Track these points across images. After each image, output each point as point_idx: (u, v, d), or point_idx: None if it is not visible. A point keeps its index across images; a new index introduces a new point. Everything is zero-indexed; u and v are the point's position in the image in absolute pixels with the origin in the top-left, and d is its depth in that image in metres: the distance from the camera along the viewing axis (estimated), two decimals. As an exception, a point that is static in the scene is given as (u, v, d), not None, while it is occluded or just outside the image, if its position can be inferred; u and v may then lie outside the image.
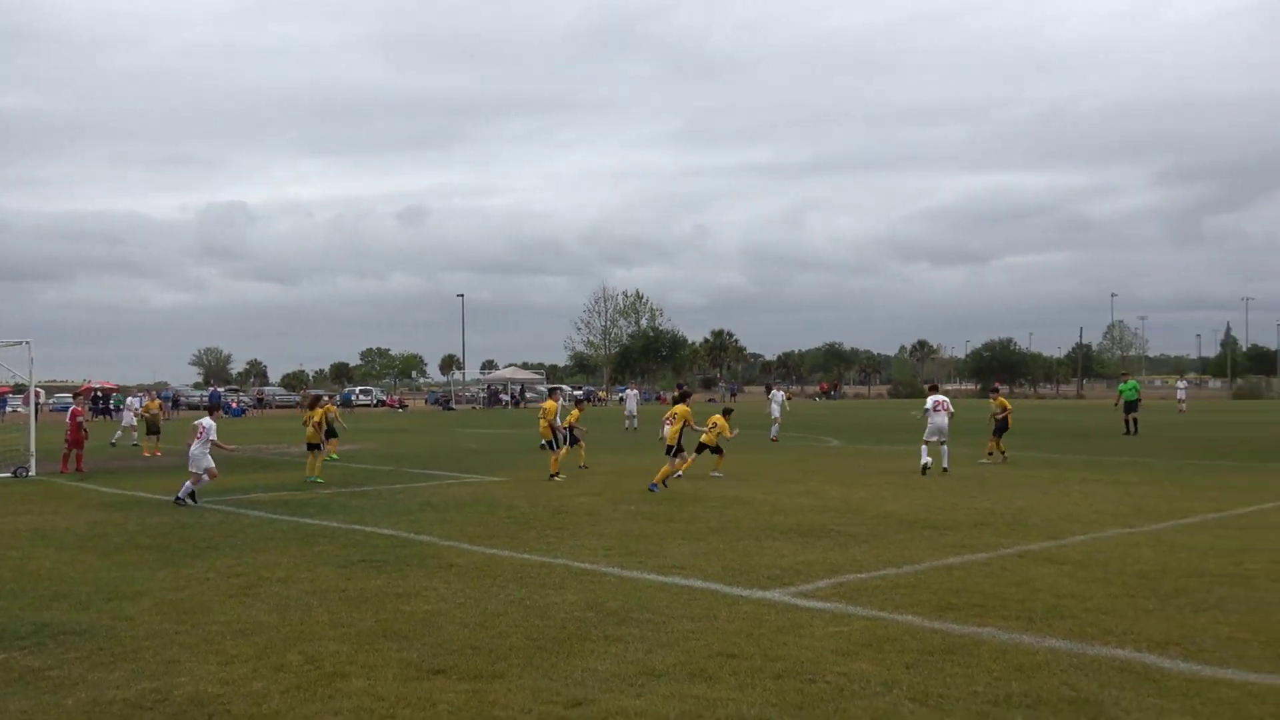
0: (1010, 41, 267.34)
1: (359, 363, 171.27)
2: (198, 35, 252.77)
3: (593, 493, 17.89)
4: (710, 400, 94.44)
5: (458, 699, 6.41)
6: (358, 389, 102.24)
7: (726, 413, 20.29)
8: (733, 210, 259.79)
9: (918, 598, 9.21)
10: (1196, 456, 25.42)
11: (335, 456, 25.74)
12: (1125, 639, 7.73)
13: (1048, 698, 6.35)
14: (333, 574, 10.56)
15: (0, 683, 6.86)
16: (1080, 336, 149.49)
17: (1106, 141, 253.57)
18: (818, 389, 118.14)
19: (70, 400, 31.86)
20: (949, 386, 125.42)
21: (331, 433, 25.18)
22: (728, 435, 19.98)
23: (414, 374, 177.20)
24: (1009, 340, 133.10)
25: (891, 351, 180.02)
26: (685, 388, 31.77)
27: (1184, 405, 56.56)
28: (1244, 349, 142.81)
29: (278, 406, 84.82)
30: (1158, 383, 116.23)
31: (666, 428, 19.07)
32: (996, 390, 25.85)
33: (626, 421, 40.62)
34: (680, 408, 19.20)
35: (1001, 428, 23.77)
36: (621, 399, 52.16)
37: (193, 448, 17.00)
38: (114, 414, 63.35)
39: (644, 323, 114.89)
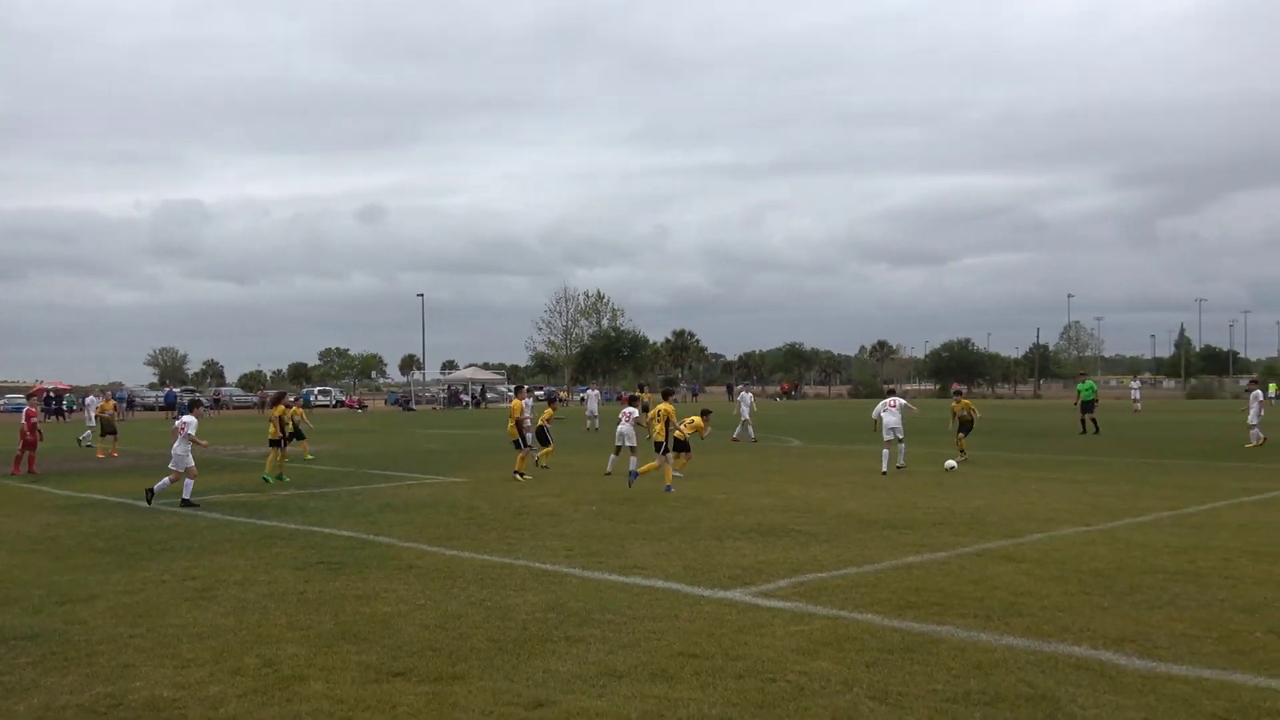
0: (967, 44, 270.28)
1: (318, 363, 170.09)
2: (151, 30, 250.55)
3: (554, 493, 17.86)
4: (673, 400, 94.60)
5: (418, 701, 6.37)
6: (316, 389, 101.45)
7: (705, 414, 20.44)
8: (692, 210, 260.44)
9: (877, 596, 9.27)
10: (1151, 456, 25.77)
11: (310, 457, 25.57)
12: (1081, 636, 7.82)
13: (1005, 695, 6.41)
14: (291, 576, 10.47)
15: (-50, 689, 6.75)
16: (1037, 337, 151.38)
17: (1062, 144, 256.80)
18: (778, 389, 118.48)
19: (23, 401, 31.40)
20: (909, 386, 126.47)
21: (298, 434, 25.21)
22: (702, 435, 20.15)
23: (373, 374, 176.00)
24: (967, 340, 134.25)
25: (851, 352, 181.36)
26: (669, 387, 31.98)
27: (1139, 405, 57.32)
28: (1197, 349, 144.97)
29: (235, 407, 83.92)
30: (1113, 383, 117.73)
31: (656, 425, 19.20)
32: (960, 394, 26.06)
33: (588, 422, 40.57)
34: (665, 405, 19.50)
35: (967, 427, 24.03)
36: (583, 399, 52.13)
37: (175, 446, 16.83)
38: (66, 415, 62.53)
39: (605, 323, 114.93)
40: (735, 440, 32.06)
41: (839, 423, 46.08)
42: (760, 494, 17.42)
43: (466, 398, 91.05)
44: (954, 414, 24.56)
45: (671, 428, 19.03)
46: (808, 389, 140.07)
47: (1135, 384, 68.72)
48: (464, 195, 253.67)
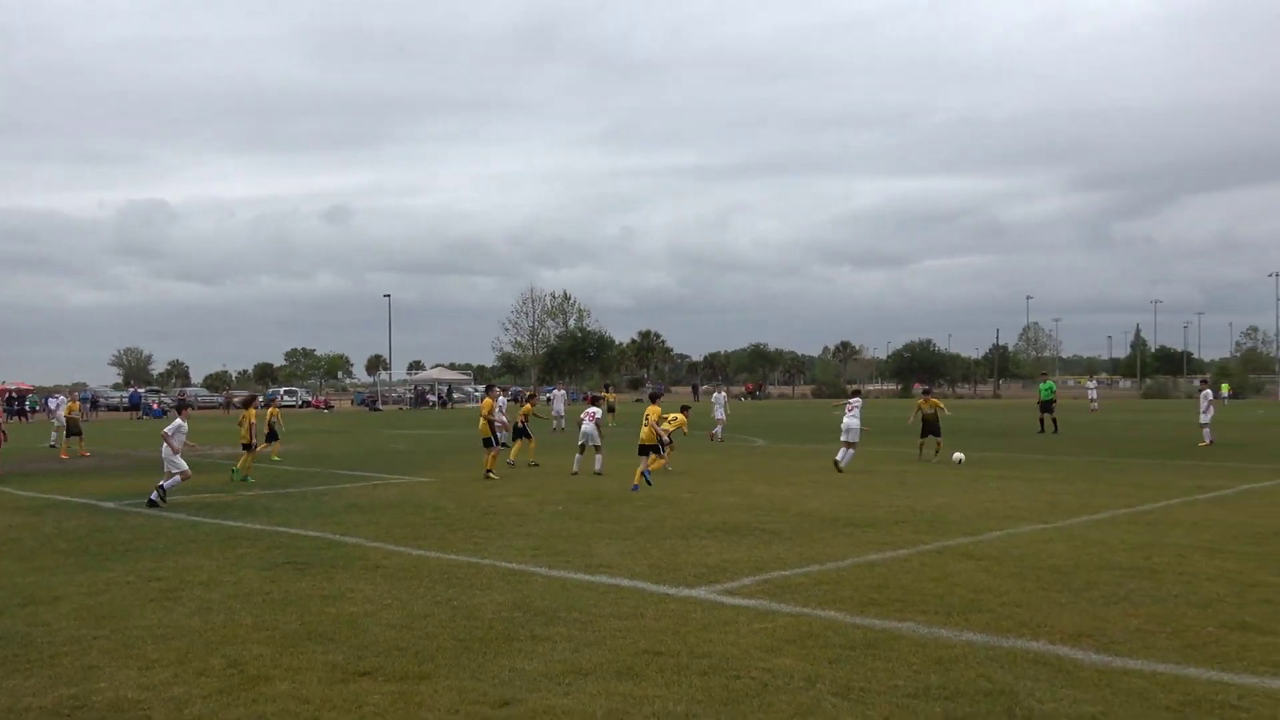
0: (928, 49, 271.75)
1: (284, 363, 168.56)
2: (117, 29, 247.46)
3: (520, 493, 17.82)
4: (638, 401, 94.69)
5: (384, 700, 6.34)
6: (283, 390, 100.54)
7: (684, 409, 20.74)
8: (659, 212, 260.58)
9: (840, 594, 9.32)
10: (1107, 455, 26.05)
11: (277, 459, 25.40)
12: (1039, 631, 7.90)
13: (965, 689, 6.47)
14: (256, 577, 10.39)
15: (-90, 692, 6.64)
16: (997, 338, 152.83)
17: (1021, 148, 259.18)
18: (743, 389, 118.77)
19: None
20: (871, 386, 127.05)
21: (273, 435, 25.35)
22: (684, 432, 20.41)
23: (340, 374, 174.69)
24: (929, 341, 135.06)
25: (815, 352, 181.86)
26: (655, 388, 32.13)
27: (1095, 404, 57.95)
28: (1152, 350, 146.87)
29: (200, 408, 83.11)
30: (1070, 383, 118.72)
31: (643, 429, 19.38)
32: (928, 392, 26.19)
33: (554, 422, 40.49)
34: (652, 408, 19.80)
35: (934, 426, 24.12)
36: (549, 399, 52.02)
37: (164, 449, 16.69)
38: (28, 416, 61.66)
39: (571, 323, 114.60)
40: (719, 439, 32.19)
41: (803, 422, 46.29)
42: (725, 493, 17.47)
43: (433, 398, 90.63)
44: (919, 410, 24.71)
45: (661, 427, 19.27)
46: (772, 389, 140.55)
47: (1092, 384, 69.51)
48: (431, 196, 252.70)
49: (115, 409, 77.14)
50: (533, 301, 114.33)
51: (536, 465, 23.05)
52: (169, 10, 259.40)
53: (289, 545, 12.42)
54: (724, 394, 36.42)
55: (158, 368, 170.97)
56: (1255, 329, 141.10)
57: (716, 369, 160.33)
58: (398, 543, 12.54)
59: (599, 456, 20.74)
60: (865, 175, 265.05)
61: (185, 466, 16.72)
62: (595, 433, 20.81)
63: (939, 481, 19.14)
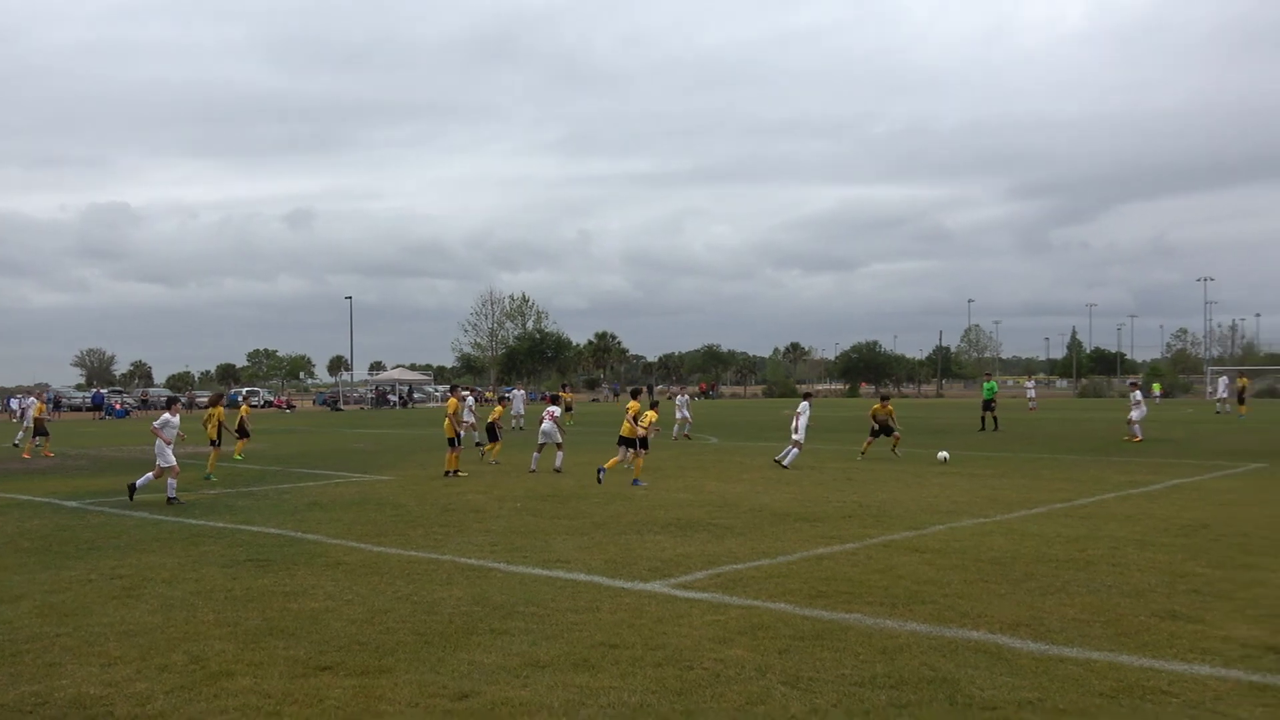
0: (874, 62, 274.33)
1: (246, 364, 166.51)
2: (78, 32, 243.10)
3: (480, 490, 17.74)
4: (594, 400, 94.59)
5: (345, 694, 6.29)
6: (245, 390, 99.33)
7: (654, 405, 20.91)
8: (615, 217, 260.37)
9: (790, 586, 9.37)
10: (1045, 451, 26.37)
11: (239, 457, 25.13)
12: (980, 621, 7.99)
13: (909, 678, 6.53)
14: (218, 574, 10.26)
15: None
16: (940, 339, 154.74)
17: (962, 157, 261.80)
18: (696, 389, 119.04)
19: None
20: (820, 386, 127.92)
21: (244, 433, 25.53)
22: (657, 431, 20.63)
23: (302, 375, 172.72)
24: (875, 343, 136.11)
25: (766, 353, 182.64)
26: (637, 386, 32.08)
27: (1033, 404, 58.62)
28: (1088, 351, 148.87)
29: (163, 408, 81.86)
30: (1009, 382, 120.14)
31: (624, 424, 19.57)
32: (887, 399, 26.28)
33: (514, 421, 40.36)
34: (633, 404, 19.89)
35: (886, 430, 24.23)
36: (508, 399, 51.80)
37: (157, 444, 16.73)
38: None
39: (530, 325, 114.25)
40: (677, 437, 32.20)
41: (754, 421, 46.43)
42: (679, 489, 17.49)
43: (394, 398, 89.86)
44: (874, 416, 24.67)
45: (639, 424, 19.32)
46: (724, 389, 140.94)
47: (1030, 384, 70.20)
48: (392, 200, 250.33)
49: (78, 409, 75.79)
50: (492, 303, 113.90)
51: (498, 464, 23.01)
52: (130, 15, 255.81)
53: (251, 543, 12.28)
54: (687, 395, 36.58)
55: (120, 368, 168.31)
56: (1185, 331, 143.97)
57: (671, 369, 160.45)
58: (359, 540, 12.43)
59: (560, 454, 20.73)
60: (814, 182, 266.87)
61: (174, 462, 16.66)
62: (555, 431, 20.79)
63: (884, 477, 19.29)
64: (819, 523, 13.43)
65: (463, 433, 22.03)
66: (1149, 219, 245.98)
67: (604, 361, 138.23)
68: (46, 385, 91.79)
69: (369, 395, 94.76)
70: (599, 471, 18.70)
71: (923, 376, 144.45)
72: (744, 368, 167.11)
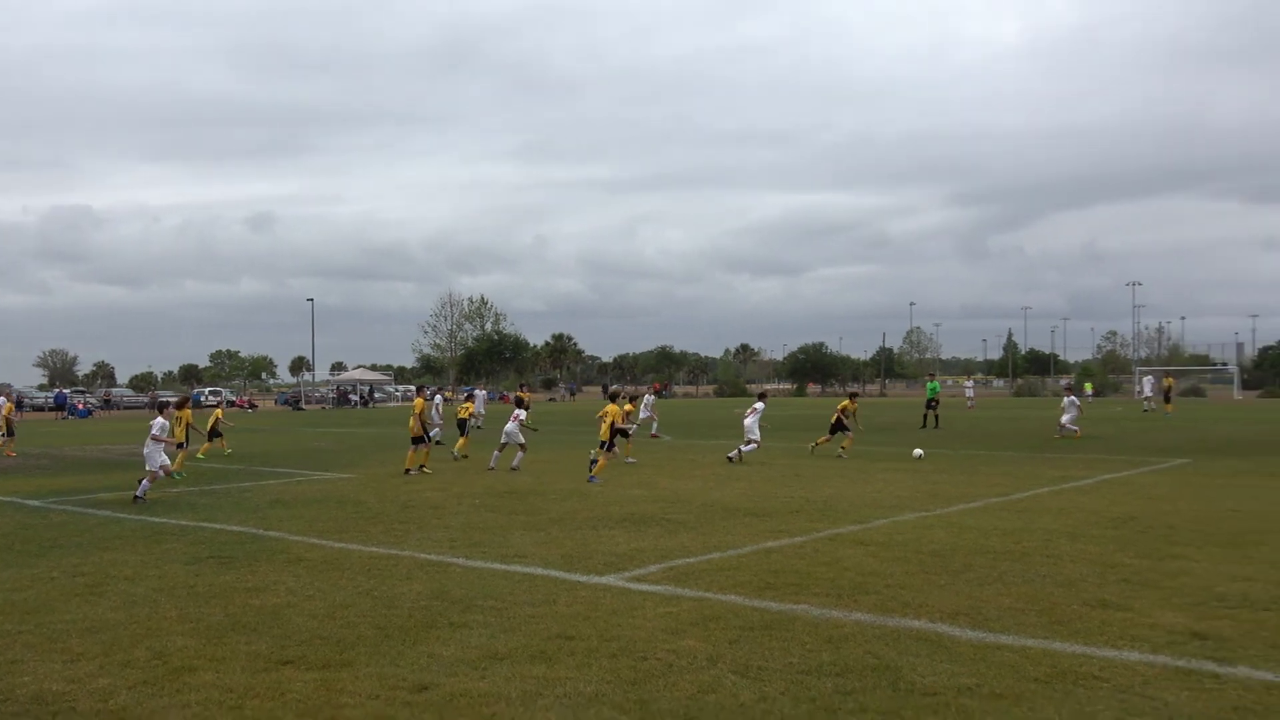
0: (822, 74, 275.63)
1: (208, 364, 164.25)
2: (40, 37, 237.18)
3: (439, 488, 17.62)
4: (551, 399, 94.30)
5: (306, 688, 6.22)
6: (207, 390, 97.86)
7: (632, 400, 21.29)
8: (571, 222, 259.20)
9: (740, 579, 9.40)
10: (982, 448, 26.70)
11: (202, 456, 24.80)
12: (921, 611, 8.06)
13: (854, 666, 6.57)
14: (181, 571, 10.10)
15: None
16: (883, 341, 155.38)
17: (905, 166, 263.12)
18: (650, 388, 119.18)
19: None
20: (768, 386, 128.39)
21: (215, 433, 25.44)
22: (635, 424, 20.81)
23: (264, 375, 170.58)
24: (821, 344, 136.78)
25: (717, 354, 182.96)
26: (614, 388, 32.14)
27: (972, 403, 59.31)
28: (1023, 352, 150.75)
29: (125, 408, 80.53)
30: (949, 382, 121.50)
31: (602, 425, 19.64)
32: (854, 396, 26.31)
33: (474, 420, 40.14)
34: (611, 407, 19.89)
35: (839, 427, 24.25)
36: (474, 398, 51.54)
37: (146, 447, 16.38)
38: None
39: (488, 326, 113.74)
40: (654, 437, 32.17)
41: (706, 420, 46.54)
42: (633, 486, 17.49)
43: (355, 397, 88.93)
44: (844, 411, 24.55)
45: (617, 424, 19.52)
46: (677, 388, 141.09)
47: (969, 383, 71.19)
48: (353, 205, 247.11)
49: (40, 409, 74.27)
50: (451, 305, 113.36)
51: (464, 458, 23.25)
52: (92, 20, 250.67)
53: (213, 540, 12.10)
54: (652, 395, 36.69)
55: (83, 369, 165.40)
56: (1115, 333, 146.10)
57: (625, 370, 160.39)
58: (320, 536, 12.30)
59: (520, 454, 20.67)
60: (763, 190, 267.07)
61: (166, 461, 16.53)
62: (517, 432, 20.75)
63: (830, 474, 19.42)
64: (768, 517, 13.49)
65: (431, 431, 22.40)
66: (1080, 226, 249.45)
67: (561, 362, 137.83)
68: (9, 385, 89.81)
69: (330, 395, 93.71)
70: (590, 480, 18.40)
71: (867, 377, 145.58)
72: (696, 368, 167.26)
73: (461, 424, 24.92)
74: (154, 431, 16.46)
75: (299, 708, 5.89)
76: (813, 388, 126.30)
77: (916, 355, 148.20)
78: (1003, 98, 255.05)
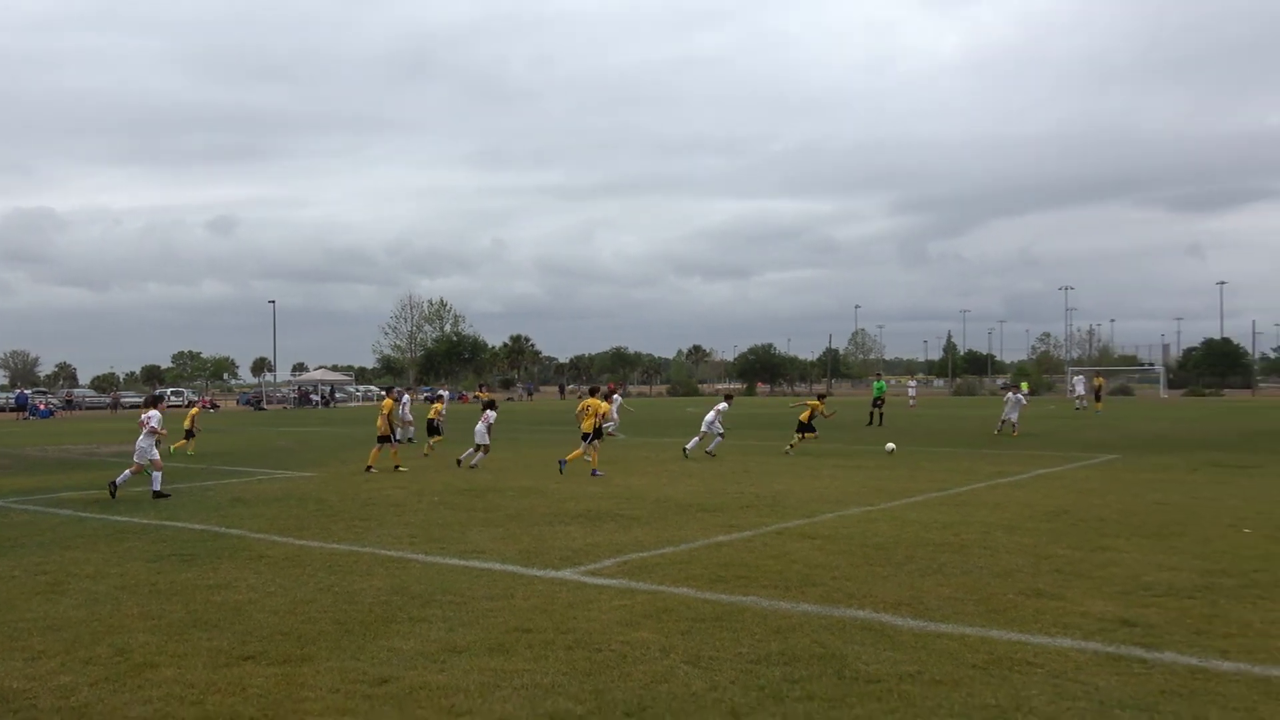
0: (771, 85, 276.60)
1: (171, 365, 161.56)
2: (2, 41, 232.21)
3: (399, 485, 17.48)
4: (509, 399, 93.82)
5: (267, 683, 6.14)
6: (169, 390, 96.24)
7: (606, 396, 21.37)
8: (527, 226, 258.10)
9: (692, 572, 9.42)
10: (924, 444, 26.98)
11: (174, 452, 24.42)
12: (865, 601, 8.13)
13: (801, 655, 6.61)
14: (143, 569, 9.92)
15: None
16: (829, 342, 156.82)
17: (849, 175, 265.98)
18: (605, 388, 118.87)
19: None
20: (720, 386, 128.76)
21: (189, 432, 25.85)
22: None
23: (226, 376, 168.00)
24: (770, 345, 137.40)
25: (670, 354, 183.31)
26: (597, 385, 32.22)
27: (914, 402, 59.93)
28: (962, 353, 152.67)
29: (87, 408, 78.96)
30: (892, 381, 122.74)
31: (582, 422, 19.74)
32: (822, 397, 26.34)
33: (438, 419, 39.86)
34: (592, 401, 20.01)
35: (807, 426, 24.23)
36: (441, 398, 51.27)
37: (140, 439, 16.02)
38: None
39: (447, 328, 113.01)
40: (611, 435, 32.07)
41: (659, 419, 46.59)
42: (588, 483, 17.46)
43: (316, 398, 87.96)
44: (814, 411, 24.63)
45: (598, 420, 19.56)
46: (631, 388, 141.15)
47: (911, 383, 71.78)
48: (314, 209, 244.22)
49: (1, 410, 72.63)
50: (411, 307, 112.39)
51: (427, 456, 23.43)
52: (55, 25, 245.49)
53: (175, 538, 11.90)
54: (619, 396, 36.81)
55: (45, 370, 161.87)
56: (1048, 335, 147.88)
57: (581, 370, 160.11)
58: (281, 534, 12.15)
59: (481, 454, 20.58)
60: (714, 196, 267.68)
61: (156, 455, 16.17)
62: (485, 434, 20.67)
63: (779, 470, 19.51)
64: (719, 512, 13.53)
65: (398, 431, 22.71)
66: (1016, 233, 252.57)
67: (518, 362, 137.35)
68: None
69: (292, 395, 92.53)
70: (560, 463, 19.24)
71: (813, 377, 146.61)
72: (650, 368, 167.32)
73: (431, 424, 25.52)
74: (153, 424, 16.09)
75: (260, 702, 5.81)
76: (762, 387, 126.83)
77: (861, 356, 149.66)
78: (945, 109, 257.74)
